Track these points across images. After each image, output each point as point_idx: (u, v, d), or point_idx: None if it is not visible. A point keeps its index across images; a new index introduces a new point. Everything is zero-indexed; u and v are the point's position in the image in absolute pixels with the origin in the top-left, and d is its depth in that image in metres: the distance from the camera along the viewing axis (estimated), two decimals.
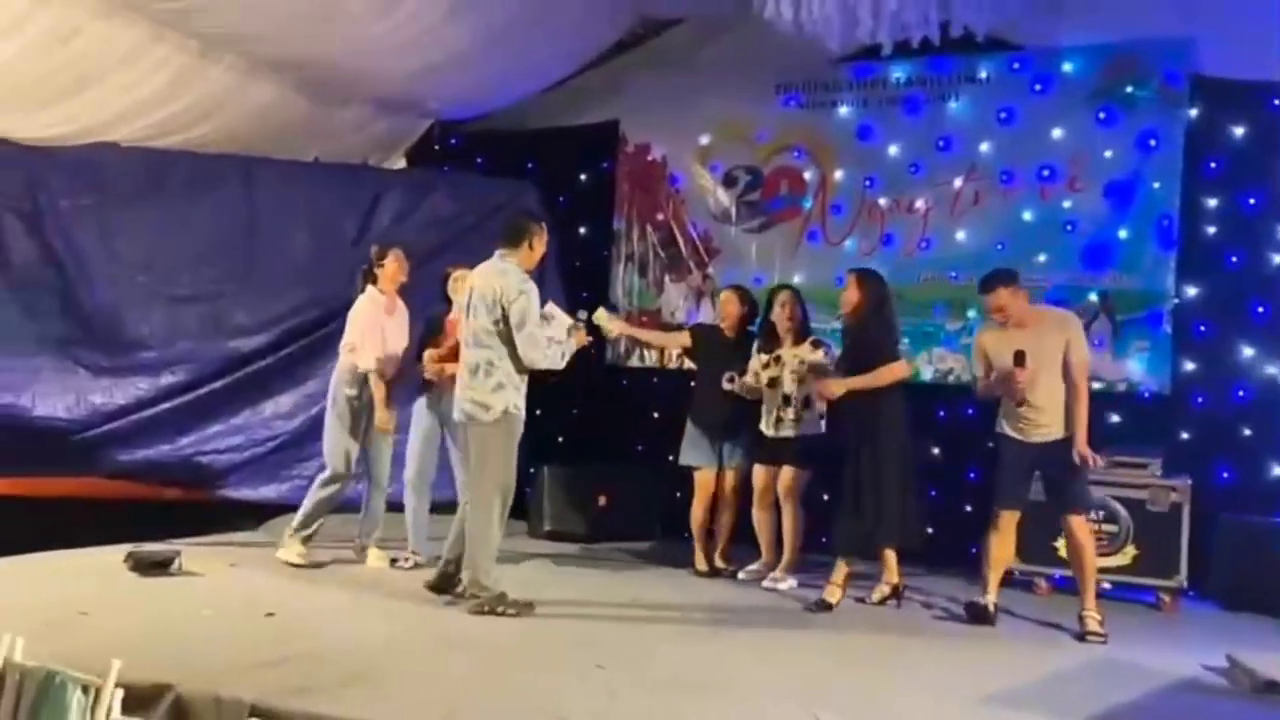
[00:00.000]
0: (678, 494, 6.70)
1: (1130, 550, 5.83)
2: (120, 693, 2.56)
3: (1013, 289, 5.22)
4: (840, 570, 5.42)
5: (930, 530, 6.39)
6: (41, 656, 3.24)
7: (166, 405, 6.99)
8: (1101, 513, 5.84)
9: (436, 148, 8.26)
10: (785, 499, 5.93)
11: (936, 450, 6.82)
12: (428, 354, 5.85)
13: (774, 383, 5.93)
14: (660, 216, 7.90)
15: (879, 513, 5.28)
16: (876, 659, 4.51)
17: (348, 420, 5.77)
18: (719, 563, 6.18)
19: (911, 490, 5.41)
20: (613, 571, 6.22)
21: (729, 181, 7.75)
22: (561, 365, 5.04)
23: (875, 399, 5.32)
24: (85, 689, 2.59)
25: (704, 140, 7.79)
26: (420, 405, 5.98)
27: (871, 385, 5.30)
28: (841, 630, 4.98)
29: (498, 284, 4.85)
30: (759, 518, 6.07)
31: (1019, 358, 5.05)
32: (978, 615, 5.21)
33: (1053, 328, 5.22)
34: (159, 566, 5.25)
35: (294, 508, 6.06)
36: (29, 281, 6.87)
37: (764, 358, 5.99)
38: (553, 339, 4.99)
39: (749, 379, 5.98)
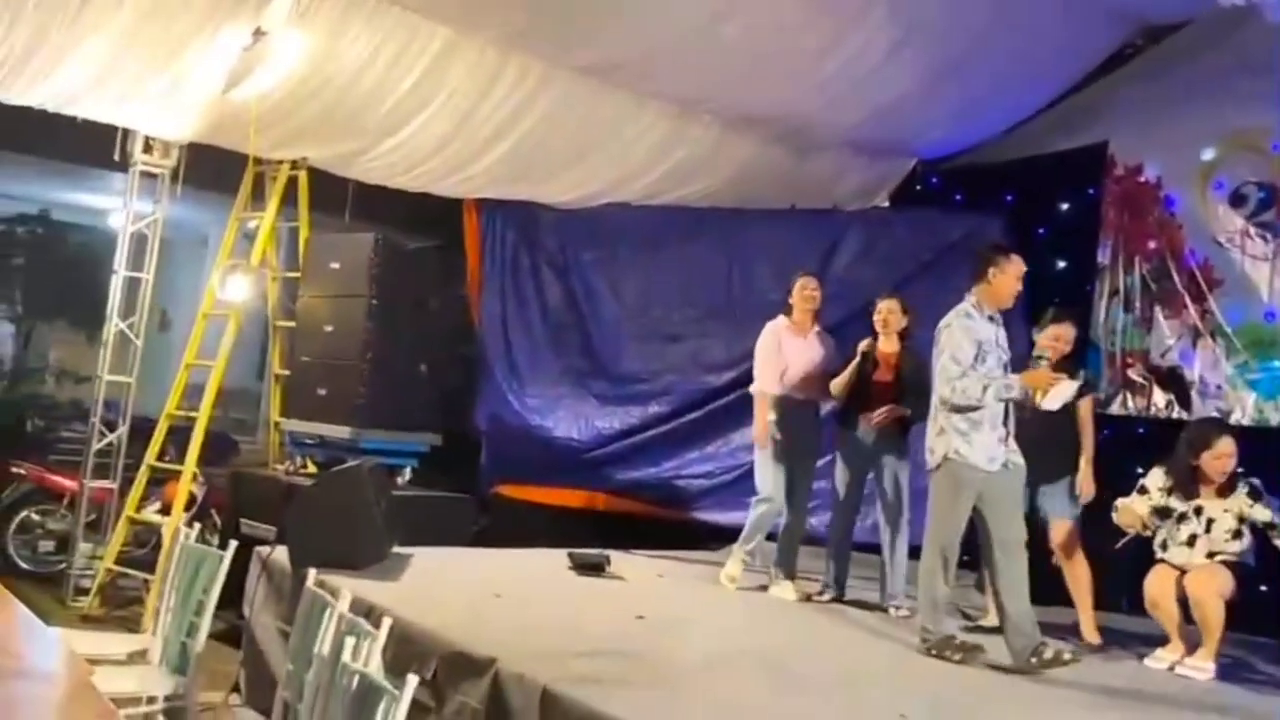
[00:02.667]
0: None
1: None
2: (380, 644, 3.08)
3: None
4: None
5: None
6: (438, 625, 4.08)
7: (652, 432, 7.92)
8: None
9: (918, 188, 8.20)
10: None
11: None
12: (834, 382, 5.87)
13: (1192, 539, 4.97)
14: (1152, 244, 7.00)
15: None
16: None
17: (765, 444, 6.01)
18: (1089, 637, 5.28)
19: None
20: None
21: (1237, 200, 6.65)
22: (981, 401, 4.57)
23: None
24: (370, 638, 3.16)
25: (1207, 155, 6.79)
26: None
27: None
28: None
29: (943, 321, 4.77)
30: (1164, 601, 5.03)
31: None
32: None
33: None
34: (593, 568, 5.94)
35: None
36: (558, 324, 8.27)
37: (1176, 507, 5.01)
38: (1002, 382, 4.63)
39: (1133, 518, 5.04)
